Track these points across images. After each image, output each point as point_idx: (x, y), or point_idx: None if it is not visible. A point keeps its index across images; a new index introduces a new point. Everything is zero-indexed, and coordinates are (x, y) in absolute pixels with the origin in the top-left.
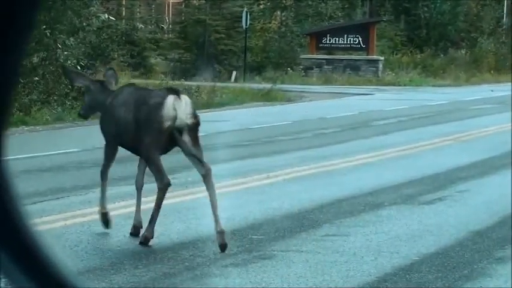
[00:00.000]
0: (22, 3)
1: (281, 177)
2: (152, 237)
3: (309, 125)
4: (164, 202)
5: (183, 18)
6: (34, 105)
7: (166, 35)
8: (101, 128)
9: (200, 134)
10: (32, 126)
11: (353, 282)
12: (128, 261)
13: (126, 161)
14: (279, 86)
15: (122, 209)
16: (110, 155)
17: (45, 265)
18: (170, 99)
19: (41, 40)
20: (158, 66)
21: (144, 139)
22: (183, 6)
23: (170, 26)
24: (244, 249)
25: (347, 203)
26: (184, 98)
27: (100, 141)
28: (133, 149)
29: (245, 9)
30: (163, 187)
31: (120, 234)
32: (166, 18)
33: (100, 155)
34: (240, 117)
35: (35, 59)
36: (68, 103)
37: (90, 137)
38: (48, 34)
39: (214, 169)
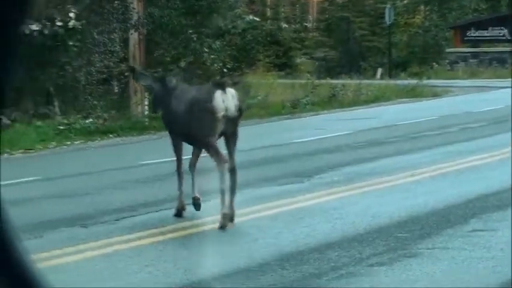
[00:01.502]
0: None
1: (427, 174)
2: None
3: (455, 120)
4: (310, 202)
5: (327, 16)
6: None
7: (310, 34)
8: (164, 124)
9: (344, 132)
10: None
11: (501, 278)
12: (275, 262)
13: (265, 164)
14: (424, 81)
15: (266, 211)
16: (177, 152)
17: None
18: (218, 93)
19: (188, 45)
20: (303, 66)
21: (201, 130)
22: (327, 4)
23: (314, 25)
24: (390, 248)
25: (494, 198)
26: (230, 91)
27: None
28: (191, 141)
29: (388, 5)
30: (225, 165)
31: (266, 236)
32: (310, 16)
33: (247, 156)
34: (385, 114)
35: (182, 63)
36: None
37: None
38: (195, 38)
39: (359, 168)
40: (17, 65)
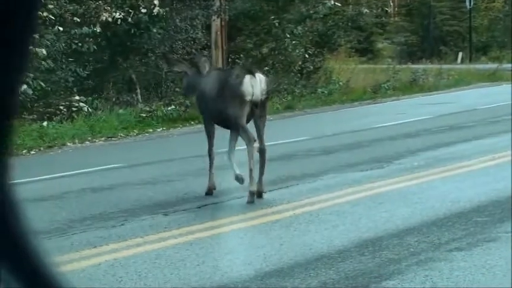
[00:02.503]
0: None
1: (507, 159)
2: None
3: None
4: (390, 187)
5: (408, 0)
6: None
7: (392, 19)
8: (198, 108)
9: (424, 117)
10: None
11: None
12: (355, 248)
13: (345, 150)
14: (504, 65)
15: (346, 197)
16: (209, 134)
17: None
18: (247, 78)
19: (269, 31)
20: (385, 51)
21: (232, 112)
22: None
23: (396, 9)
24: (469, 232)
25: None
26: (259, 76)
27: (331, 129)
28: (223, 123)
29: None
30: (254, 144)
31: (346, 222)
32: (392, 1)
33: (328, 142)
34: (465, 99)
35: (265, 50)
36: (297, 91)
37: (319, 124)
38: (276, 24)
39: (438, 153)
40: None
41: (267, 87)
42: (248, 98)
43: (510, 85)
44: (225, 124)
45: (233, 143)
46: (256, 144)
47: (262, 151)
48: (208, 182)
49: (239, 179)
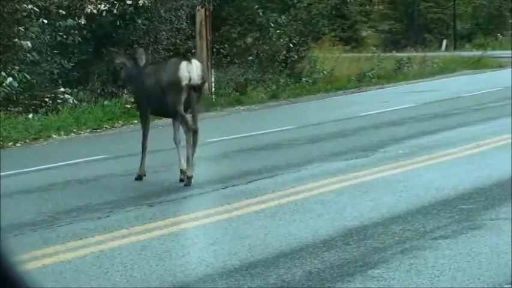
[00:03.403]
0: None
1: (491, 146)
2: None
3: None
4: (374, 176)
5: None
6: (249, 85)
7: (376, 7)
8: (135, 99)
9: (409, 105)
10: (248, 106)
11: None
12: (339, 237)
13: (330, 139)
14: (489, 52)
15: (331, 186)
16: (144, 126)
17: None
18: (183, 64)
19: (253, 20)
20: (369, 39)
21: (169, 98)
22: None
23: None
24: (454, 220)
25: None
26: (195, 63)
27: (315, 118)
28: (163, 112)
29: None
30: (192, 130)
31: (331, 211)
32: None
33: (313, 131)
34: (450, 86)
35: (249, 39)
36: (282, 81)
37: (304, 113)
38: (260, 13)
39: (423, 141)
40: None
41: (202, 73)
42: (185, 82)
43: (495, 72)
44: (165, 113)
45: (176, 127)
46: (193, 130)
47: (195, 132)
48: (139, 169)
49: (184, 178)
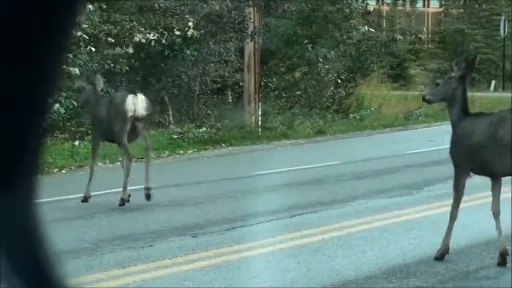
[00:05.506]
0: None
1: None
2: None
3: None
4: (419, 214)
5: (442, 28)
6: (296, 119)
7: (425, 46)
8: (91, 124)
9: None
10: (294, 140)
11: None
12: (382, 275)
13: (375, 176)
14: None
15: (375, 223)
16: (94, 149)
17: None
18: (130, 97)
19: (303, 55)
20: (418, 77)
21: (115, 127)
22: (442, 16)
23: (429, 36)
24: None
25: None
26: (140, 96)
27: (361, 155)
28: (110, 139)
29: (503, 17)
30: (131, 161)
31: (375, 248)
32: (425, 28)
33: (359, 168)
34: None
35: (298, 74)
36: (329, 116)
37: (350, 149)
38: (310, 48)
39: (468, 181)
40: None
41: (147, 105)
42: (130, 114)
43: None
44: (112, 139)
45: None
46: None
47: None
48: (85, 192)
49: (148, 195)
